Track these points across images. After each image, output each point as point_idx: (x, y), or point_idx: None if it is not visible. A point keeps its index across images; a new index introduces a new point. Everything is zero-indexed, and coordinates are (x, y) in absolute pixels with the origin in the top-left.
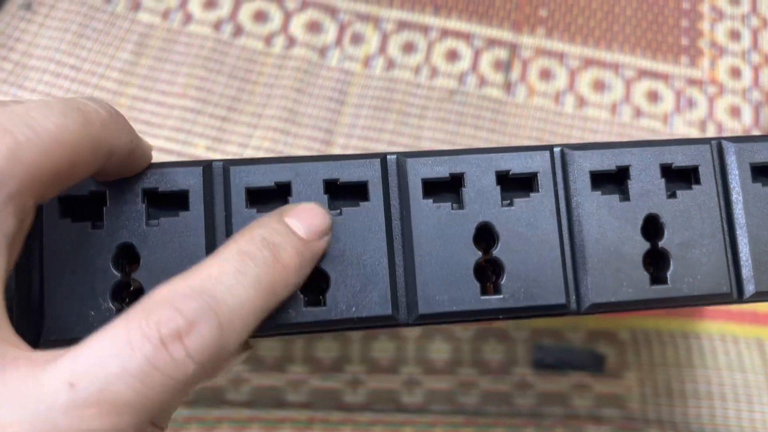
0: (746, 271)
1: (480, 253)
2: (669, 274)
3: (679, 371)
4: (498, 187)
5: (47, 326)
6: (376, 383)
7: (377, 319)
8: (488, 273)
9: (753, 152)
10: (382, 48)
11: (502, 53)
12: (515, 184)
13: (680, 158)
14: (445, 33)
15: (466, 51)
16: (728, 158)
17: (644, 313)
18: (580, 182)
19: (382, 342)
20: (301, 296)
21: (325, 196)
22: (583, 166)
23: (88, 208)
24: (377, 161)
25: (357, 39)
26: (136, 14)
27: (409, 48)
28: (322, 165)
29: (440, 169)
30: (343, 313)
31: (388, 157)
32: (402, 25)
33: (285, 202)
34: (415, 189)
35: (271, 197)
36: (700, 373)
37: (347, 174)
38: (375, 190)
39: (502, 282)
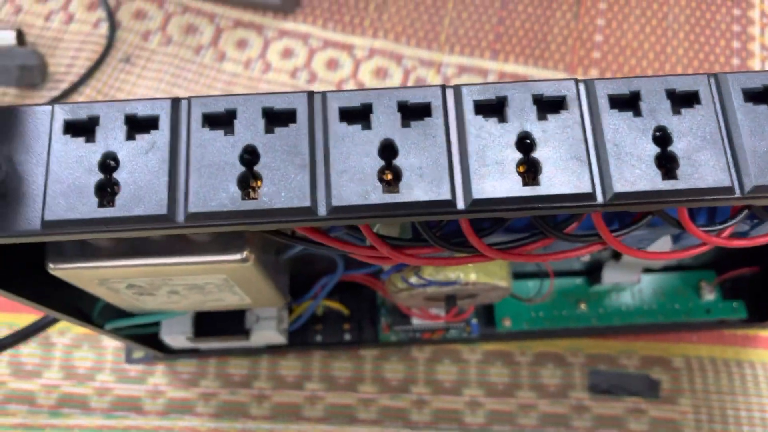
0: (745, 169)
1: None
2: (678, 171)
3: (734, 398)
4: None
5: (192, 202)
6: (440, 404)
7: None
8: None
9: (747, 81)
10: None
11: None
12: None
13: (681, 84)
14: (503, 76)
15: None
16: (724, 86)
17: (697, 341)
18: (602, 103)
19: (446, 365)
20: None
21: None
22: (602, 91)
23: (222, 120)
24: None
25: (420, 83)
26: (221, 64)
27: None
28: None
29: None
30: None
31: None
32: (462, 70)
33: (368, 120)
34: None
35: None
36: (754, 401)
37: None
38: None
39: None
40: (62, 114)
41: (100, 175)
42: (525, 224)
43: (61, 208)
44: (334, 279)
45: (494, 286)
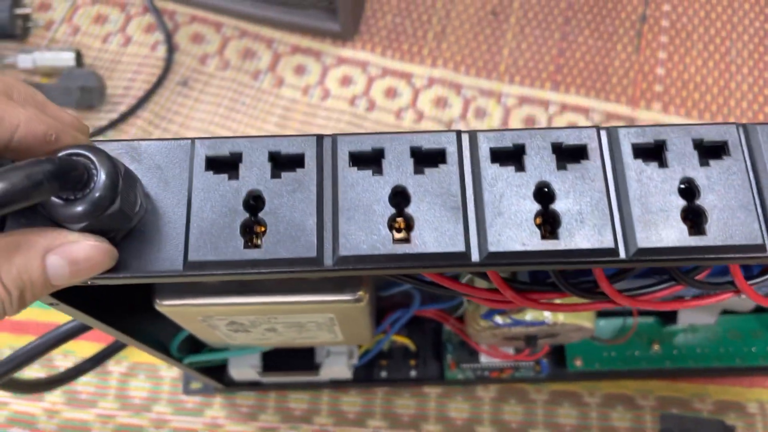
0: None
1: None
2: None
3: None
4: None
5: (342, 245)
6: None
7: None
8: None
9: None
10: (505, 121)
11: None
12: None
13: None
14: (564, 107)
15: (585, 124)
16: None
17: None
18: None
19: (512, 405)
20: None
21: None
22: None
23: (370, 159)
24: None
25: (480, 113)
26: (280, 90)
27: (530, 122)
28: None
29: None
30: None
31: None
32: (523, 100)
33: (521, 161)
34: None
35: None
36: None
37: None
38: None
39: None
40: (204, 149)
41: (245, 215)
42: (651, 270)
43: (205, 248)
44: (407, 314)
45: (579, 327)
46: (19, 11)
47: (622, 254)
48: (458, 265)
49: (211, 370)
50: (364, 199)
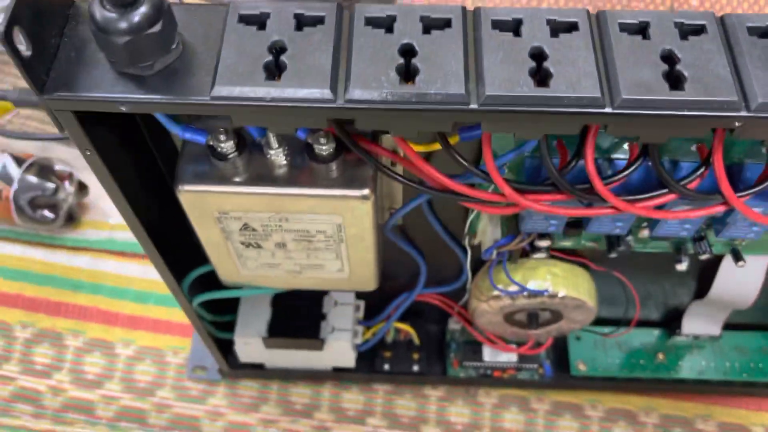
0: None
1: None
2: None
3: None
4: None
5: (353, 83)
6: None
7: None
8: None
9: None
10: None
11: None
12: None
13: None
14: None
15: None
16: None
17: None
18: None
19: (513, 413)
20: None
21: None
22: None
23: (383, 23)
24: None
25: None
26: None
27: None
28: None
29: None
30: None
31: None
32: None
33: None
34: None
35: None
36: None
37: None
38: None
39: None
40: (238, 8)
41: (269, 57)
42: (646, 183)
43: (231, 80)
44: (411, 296)
45: (580, 303)
46: None
47: (608, 107)
48: (458, 110)
49: (218, 343)
50: (376, 51)
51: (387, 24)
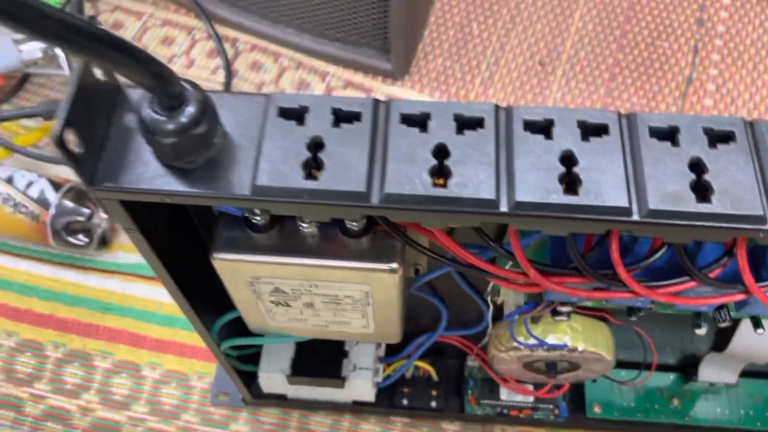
0: None
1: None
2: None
3: None
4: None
5: (388, 184)
6: None
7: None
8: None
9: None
10: None
11: None
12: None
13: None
14: None
15: None
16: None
17: None
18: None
19: None
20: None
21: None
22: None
23: (418, 121)
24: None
25: None
26: None
27: None
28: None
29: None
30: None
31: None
32: None
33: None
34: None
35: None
36: None
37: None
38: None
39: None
40: (278, 101)
41: (307, 154)
42: (668, 265)
43: (270, 177)
44: (432, 337)
45: (599, 357)
46: None
47: (636, 215)
48: (488, 212)
49: (242, 375)
50: (411, 150)
51: (421, 121)
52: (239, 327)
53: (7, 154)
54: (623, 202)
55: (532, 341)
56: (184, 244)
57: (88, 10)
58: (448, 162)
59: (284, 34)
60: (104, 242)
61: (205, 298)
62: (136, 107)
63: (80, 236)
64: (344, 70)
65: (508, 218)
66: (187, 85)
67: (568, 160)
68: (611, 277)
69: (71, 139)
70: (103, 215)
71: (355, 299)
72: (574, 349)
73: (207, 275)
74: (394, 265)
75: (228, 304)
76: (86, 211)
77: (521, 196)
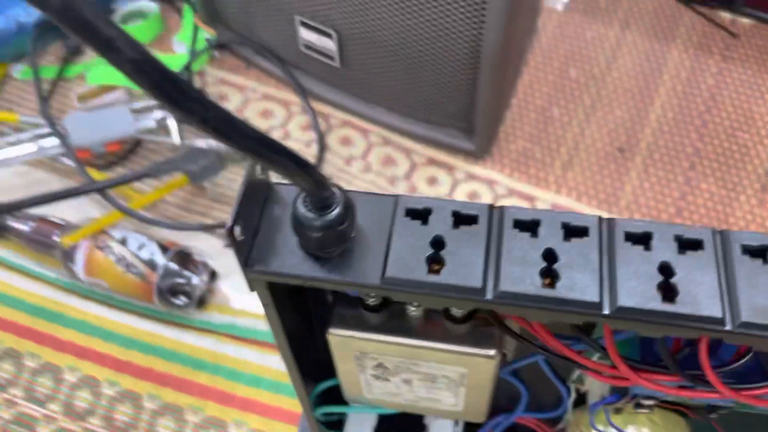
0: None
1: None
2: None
3: None
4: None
5: (502, 282)
6: None
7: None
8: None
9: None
10: None
11: None
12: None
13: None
14: None
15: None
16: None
17: None
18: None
19: None
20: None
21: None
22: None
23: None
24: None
25: None
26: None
27: None
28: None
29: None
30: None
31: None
32: None
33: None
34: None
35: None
36: None
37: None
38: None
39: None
40: (405, 202)
41: (430, 250)
42: (750, 369)
43: (398, 269)
44: (510, 418)
45: None
46: None
47: (728, 326)
48: (591, 313)
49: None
50: (522, 253)
51: (532, 227)
52: (331, 396)
53: (121, 216)
54: (717, 313)
55: (611, 430)
56: (298, 318)
57: (197, 83)
58: (556, 266)
59: (374, 113)
60: (201, 303)
61: (308, 367)
62: (289, 202)
63: (181, 297)
64: (428, 148)
65: (609, 320)
66: (335, 189)
67: (666, 270)
68: (698, 377)
69: (237, 233)
70: (203, 277)
71: (451, 379)
72: None
73: (313, 347)
74: (492, 352)
75: (326, 374)
76: (188, 274)
77: (623, 301)
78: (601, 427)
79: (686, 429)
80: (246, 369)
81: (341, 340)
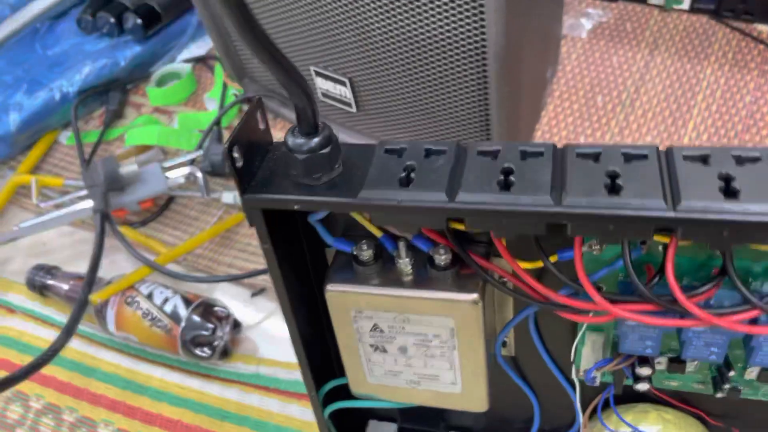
0: None
1: None
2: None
3: None
4: None
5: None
6: None
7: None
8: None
9: None
10: None
11: None
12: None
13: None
14: None
15: None
16: None
17: None
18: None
19: None
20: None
21: None
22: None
23: (591, 156)
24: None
25: None
26: None
27: None
28: None
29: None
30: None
31: None
32: None
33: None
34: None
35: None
36: None
37: None
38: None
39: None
40: (385, 145)
41: (402, 173)
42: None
43: (372, 187)
44: None
45: None
46: None
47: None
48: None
49: None
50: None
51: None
52: (342, 395)
53: (149, 272)
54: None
55: (623, 428)
56: (303, 286)
57: (225, 137)
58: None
59: None
60: (225, 353)
61: (315, 360)
62: (284, 137)
63: (205, 348)
64: None
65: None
66: (321, 122)
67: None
68: (672, 303)
69: (236, 156)
70: (226, 329)
71: (443, 340)
72: None
73: (319, 339)
74: (475, 296)
75: (334, 372)
76: (211, 326)
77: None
78: (612, 428)
79: (702, 430)
80: (270, 419)
81: (338, 296)
